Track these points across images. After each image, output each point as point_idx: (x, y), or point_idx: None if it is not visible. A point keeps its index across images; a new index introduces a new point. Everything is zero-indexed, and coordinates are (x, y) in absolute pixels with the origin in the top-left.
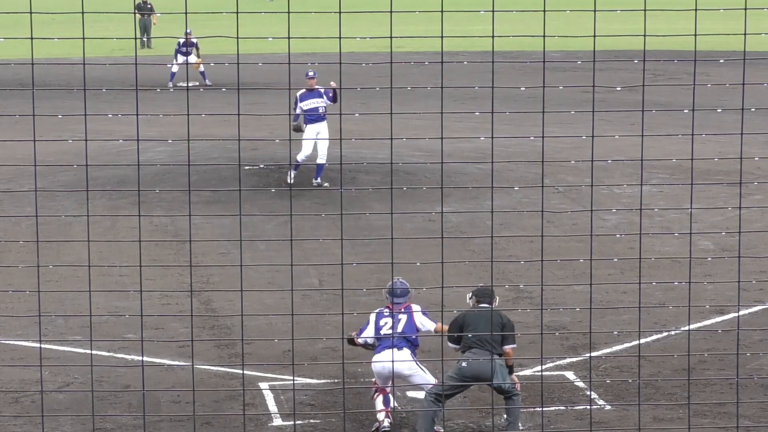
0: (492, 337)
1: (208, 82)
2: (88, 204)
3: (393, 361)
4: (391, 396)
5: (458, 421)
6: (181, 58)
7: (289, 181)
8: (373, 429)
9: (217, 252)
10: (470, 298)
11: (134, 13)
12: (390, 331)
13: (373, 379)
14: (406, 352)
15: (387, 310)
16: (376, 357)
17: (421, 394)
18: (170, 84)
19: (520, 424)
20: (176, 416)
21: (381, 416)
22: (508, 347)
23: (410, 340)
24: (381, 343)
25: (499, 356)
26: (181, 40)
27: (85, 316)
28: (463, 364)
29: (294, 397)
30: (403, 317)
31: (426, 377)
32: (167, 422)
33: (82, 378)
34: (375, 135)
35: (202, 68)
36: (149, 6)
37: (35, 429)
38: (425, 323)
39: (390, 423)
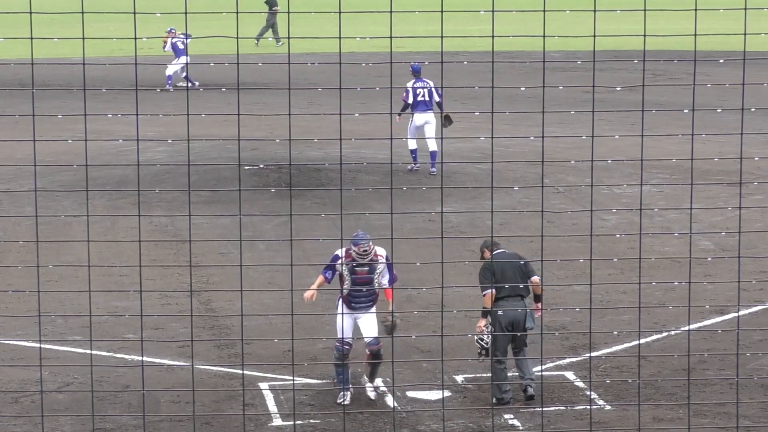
0: (518, 281)
1: (195, 83)
2: (88, 204)
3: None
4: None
5: (458, 421)
6: (175, 63)
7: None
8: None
9: (217, 252)
10: (483, 253)
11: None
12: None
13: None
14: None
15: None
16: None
17: (428, 395)
18: (169, 87)
19: (533, 370)
20: (176, 416)
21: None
22: (535, 278)
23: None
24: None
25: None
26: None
27: (85, 316)
28: (500, 312)
29: (294, 397)
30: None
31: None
32: (167, 422)
33: (82, 378)
34: (375, 135)
35: (184, 73)
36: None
37: (35, 429)
38: (383, 282)
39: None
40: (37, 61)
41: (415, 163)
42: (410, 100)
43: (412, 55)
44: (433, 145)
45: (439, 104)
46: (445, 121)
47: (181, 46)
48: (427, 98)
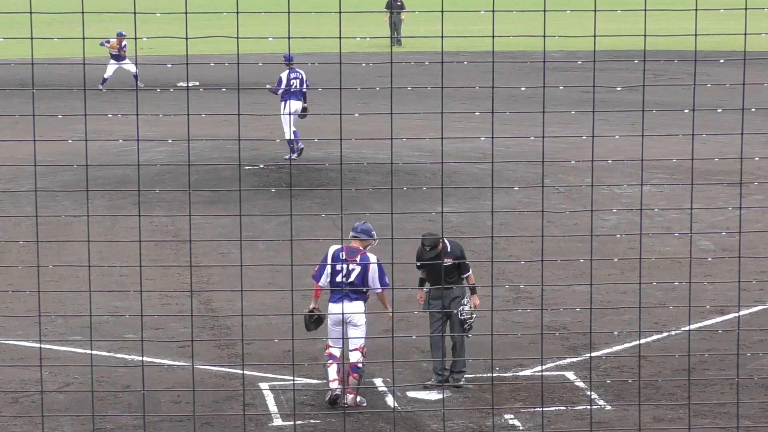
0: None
1: (141, 84)
2: (88, 204)
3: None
4: (341, 364)
5: (458, 421)
6: (114, 64)
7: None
8: (326, 399)
9: (217, 252)
10: (440, 244)
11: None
12: (343, 280)
13: (327, 343)
14: (358, 304)
15: (343, 252)
16: (331, 305)
17: (428, 395)
18: (102, 87)
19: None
20: (176, 416)
21: (333, 385)
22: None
23: (363, 292)
24: (334, 292)
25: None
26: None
27: (85, 316)
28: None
29: (294, 397)
30: (357, 269)
31: (363, 334)
32: (167, 422)
33: (82, 378)
34: (375, 135)
35: (135, 70)
36: (399, 3)
37: (35, 429)
38: (375, 283)
39: (341, 390)
40: (37, 61)
41: (297, 150)
42: (281, 91)
43: (412, 55)
44: (289, 133)
45: (304, 94)
46: (303, 111)
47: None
48: (299, 87)
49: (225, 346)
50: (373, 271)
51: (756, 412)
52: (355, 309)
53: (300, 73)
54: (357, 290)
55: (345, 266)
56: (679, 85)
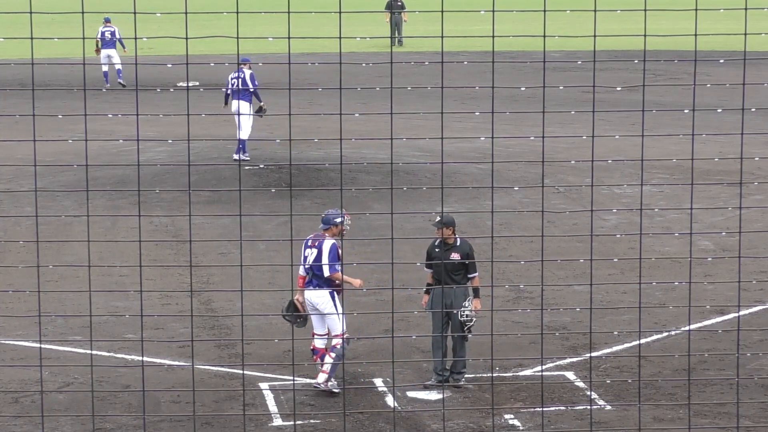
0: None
1: (121, 81)
2: (88, 204)
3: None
4: (326, 354)
5: (458, 421)
6: (104, 54)
7: (237, 158)
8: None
9: (217, 252)
10: (446, 225)
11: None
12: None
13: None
14: (321, 291)
15: (310, 240)
16: (306, 292)
17: (428, 395)
18: (108, 86)
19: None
20: (176, 416)
21: (320, 378)
22: None
23: (324, 277)
24: (307, 278)
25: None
26: (103, 30)
27: (85, 316)
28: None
29: (294, 397)
30: (313, 253)
31: (336, 323)
32: (167, 422)
33: (82, 378)
34: (375, 135)
35: (119, 67)
36: (400, 3)
37: (35, 429)
38: (324, 267)
39: (326, 386)
40: (37, 61)
41: (244, 153)
42: (229, 91)
43: (412, 55)
44: (243, 135)
45: (255, 93)
46: (258, 111)
47: (109, 37)
48: (240, 87)
49: (225, 346)
50: (325, 255)
51: (756, 412)
52: (318, 296)
53: (241, 73)
54: (319, 277)
55: (310, 251)
56: (679, 85)
